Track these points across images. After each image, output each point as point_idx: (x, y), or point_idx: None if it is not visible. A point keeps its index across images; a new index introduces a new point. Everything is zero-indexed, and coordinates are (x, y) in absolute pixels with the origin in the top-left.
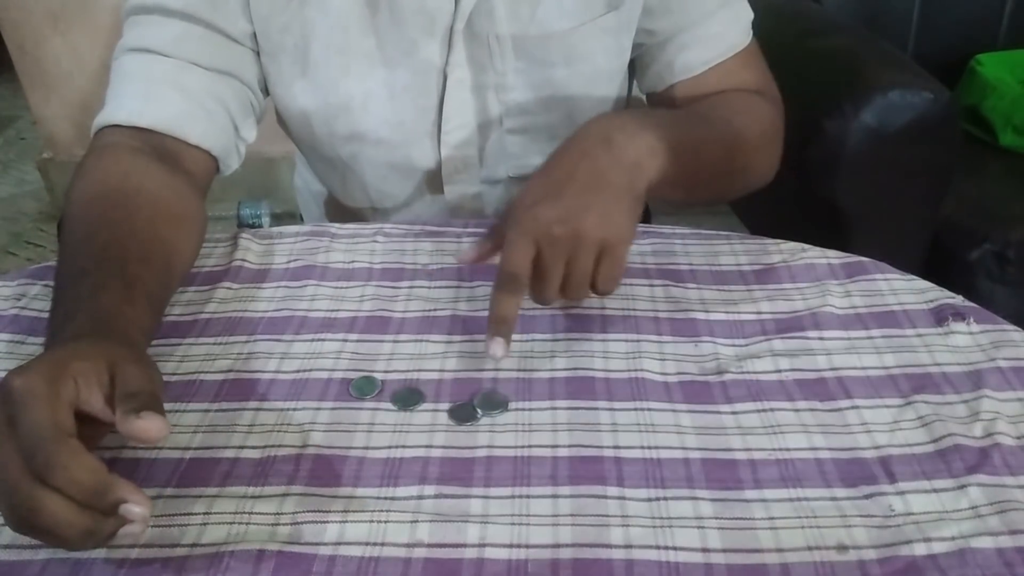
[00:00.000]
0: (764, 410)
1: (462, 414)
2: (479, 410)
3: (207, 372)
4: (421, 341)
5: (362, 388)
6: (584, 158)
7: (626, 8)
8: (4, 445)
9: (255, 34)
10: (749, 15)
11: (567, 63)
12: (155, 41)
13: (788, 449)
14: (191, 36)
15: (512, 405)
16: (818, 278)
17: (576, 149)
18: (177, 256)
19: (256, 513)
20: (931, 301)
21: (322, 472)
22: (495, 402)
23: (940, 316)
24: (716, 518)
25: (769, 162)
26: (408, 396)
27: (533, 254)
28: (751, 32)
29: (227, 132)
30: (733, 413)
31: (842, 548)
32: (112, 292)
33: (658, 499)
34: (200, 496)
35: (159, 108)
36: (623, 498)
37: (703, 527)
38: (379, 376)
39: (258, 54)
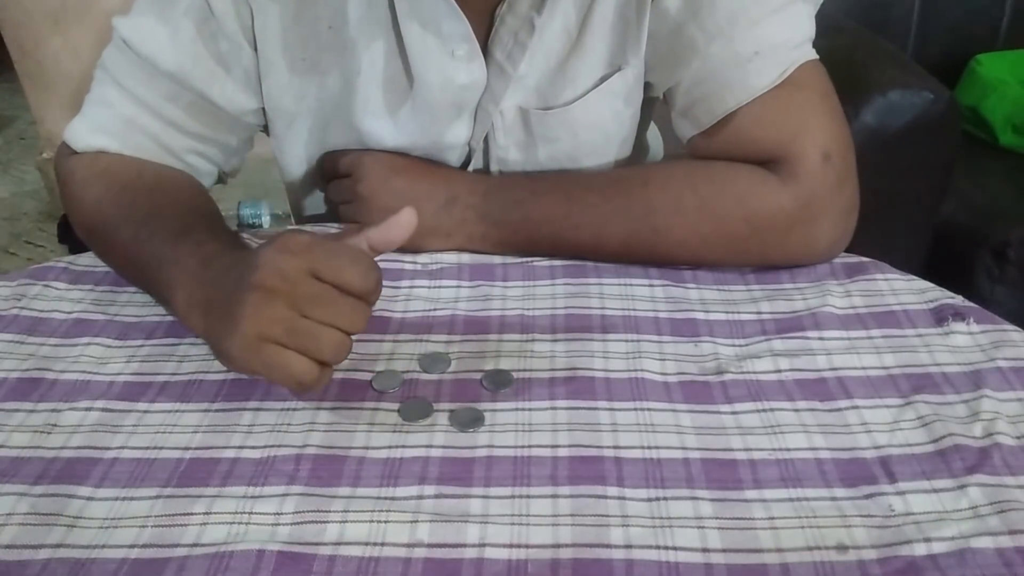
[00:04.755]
0: (764, 410)
1: (464, 420)
2: (486, 385)
3: (207, 372)
4: (421, 341)
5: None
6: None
7: (631, 66)
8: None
9: (259, 109)
10: (776, 42)
11: (572, 135)
12: (143, 91)
13: (788, 449)
14: (180, 101)
15: (512, 404)
16: (818, 278)
17: None
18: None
19: (256, 513)
20: (931, 301)
21: (322, 472)
22: (502, 379)
23: (940, 316)
24: (716, 518)
25: (765, 252)
26: (416, 409)
27: None
28: (784, 66)
29: (209, 175)
30: (733, 413)
31: (842, 548)
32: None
33: (658, 499)
34: (200, 496)
35: (140, 154)
36: (623, 498)
37: (703, 527)
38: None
39: (251, 124)
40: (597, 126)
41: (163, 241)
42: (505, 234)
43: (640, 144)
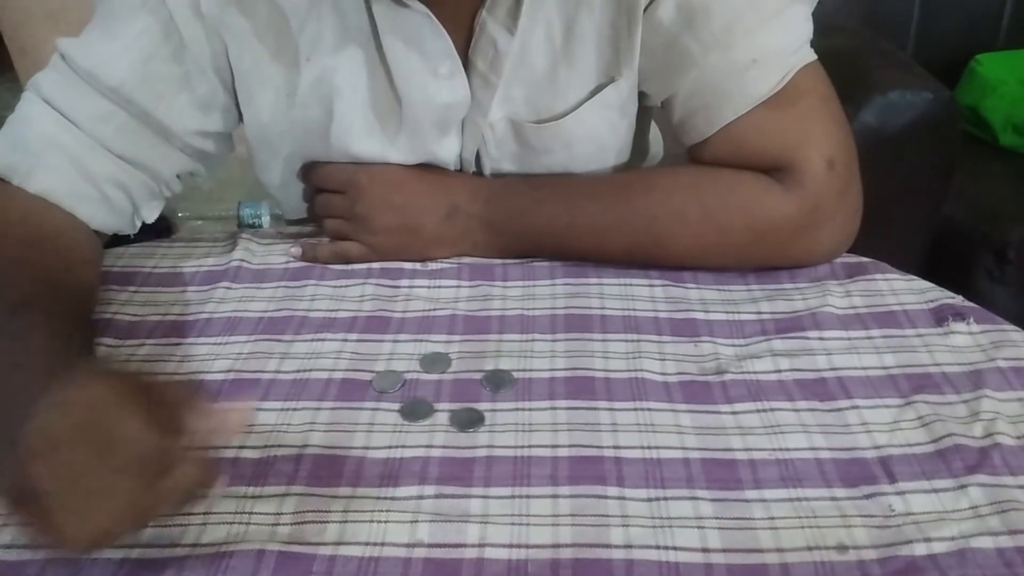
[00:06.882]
0: (764, 410)
1: (464, 420)
2: (486, 385)
3: (207, 372)
4: (421, 341)
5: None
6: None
7: (625, 77)
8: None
9: (209, 133)
10: (774, 49)
11: (567, 147)
12: (73, 109)
13: (788, 449)
14: (113, 121)
15: (512, 405)
16: (818, 278)
17: None
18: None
19: (256, 513)
20: (931, 301)
21: (322, 472)
22: (502, 379)
23: (940, 316)
24: (716, 518)
25: (768, 257)
26: (416, 409)
27: None
28: (783, 72)
29: (123, 215)
30: (733, 413)
31: (842, 548)
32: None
33: (658, 499)
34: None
35: (53, 178)
36: (623, 498)
37: (703, 527)
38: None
39: (193, 148)
40: (592, 138)
41: None
42: (507, 241)
43: (640, 148)
